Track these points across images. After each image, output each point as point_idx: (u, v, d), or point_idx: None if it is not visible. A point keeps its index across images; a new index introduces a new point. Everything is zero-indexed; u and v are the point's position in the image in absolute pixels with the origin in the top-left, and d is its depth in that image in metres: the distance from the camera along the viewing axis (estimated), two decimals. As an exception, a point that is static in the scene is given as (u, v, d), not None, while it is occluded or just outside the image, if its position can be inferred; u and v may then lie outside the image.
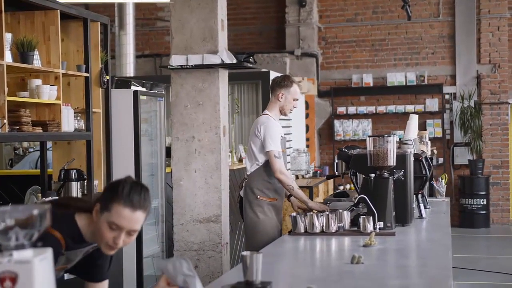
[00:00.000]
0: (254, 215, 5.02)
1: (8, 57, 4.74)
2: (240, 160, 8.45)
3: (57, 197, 5.23)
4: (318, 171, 10.45)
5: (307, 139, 12.09)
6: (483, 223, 11.99)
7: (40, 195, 5.29)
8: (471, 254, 9.78)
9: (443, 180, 6.39)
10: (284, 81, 5.16)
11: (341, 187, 10.56)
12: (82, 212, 2.65)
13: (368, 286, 2.90)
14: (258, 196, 5.04)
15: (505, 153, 12.35)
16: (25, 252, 1.80)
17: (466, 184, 12.06)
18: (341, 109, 12.67)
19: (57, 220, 2.58)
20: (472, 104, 12.11)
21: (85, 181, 5.68)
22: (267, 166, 5.03)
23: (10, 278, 1.74)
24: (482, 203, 11.96)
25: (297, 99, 5.18)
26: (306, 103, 12.00)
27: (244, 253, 2.65)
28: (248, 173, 5.14)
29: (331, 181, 10.66)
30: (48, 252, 1.86)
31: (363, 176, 4.50)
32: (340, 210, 4.29)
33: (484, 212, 12.00)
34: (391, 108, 12.48)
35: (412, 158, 4.64)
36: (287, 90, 5.12)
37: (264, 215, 5.03)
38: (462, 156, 12.32)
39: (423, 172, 4.98)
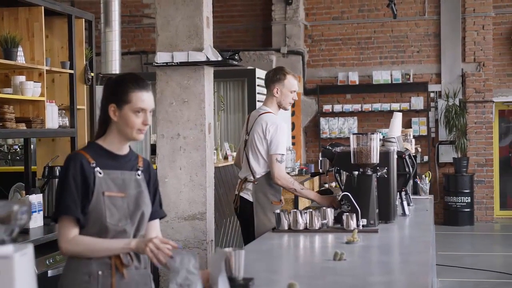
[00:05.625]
0: (267, 220, 4.84)
1: (-9, 54, 4.73)
2: (226, 158, 8.44)
3: None
4: (304, 169, 10.47)
5: (293, 137, 12.12)
6: (467, 220, 12.07)
7: (24, 192, 5.26)
8: (455, 251, 9.84)
9: (427, 178, 6.43)
10: (277, 75, 4.93)
11: (326, 185, 10.59)
12: (99, 138, 2.91)
13: (350, 282, 2.92)
14: (273, 202, 4.90)
15: (489, 151, 12.43)
16: (5, 248, 1.80)
17: (451, 182, 12.13)
18: (327, 107, 12.70)
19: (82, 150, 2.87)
20: (457, 103, 12.18)
21: (70, 178, 5.68)
22: None
23: (-10, 273, 1.74)
24: (466, 201, 12.03)
25: (294, 91, 4.95)
26: (292, 100, 12.02)
27: (227, 249, 2.66)
28: (257, 176, 4.89)
29: (316, 179, 10.69)
30: (29, 248, 1.87)
31: (347, 173, 4.52)
32: (324, 208, 4.31)
33: (468, 209, 12.07)
34: (377, 106, 12.52)
35: (395, 156, 4.66)
36: (281, 83, 4.92)
37: None
38: (447, 154, 12.39)
39: (407, 169, 5.00)
